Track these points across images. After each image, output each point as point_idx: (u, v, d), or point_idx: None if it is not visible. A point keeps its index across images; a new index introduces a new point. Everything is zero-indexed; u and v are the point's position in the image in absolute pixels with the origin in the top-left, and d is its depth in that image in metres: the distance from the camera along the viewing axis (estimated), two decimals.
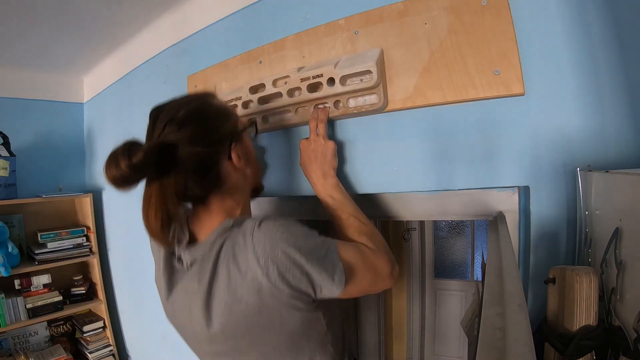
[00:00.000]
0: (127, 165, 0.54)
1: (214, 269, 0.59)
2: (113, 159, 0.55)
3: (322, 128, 0.87)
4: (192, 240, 0.67)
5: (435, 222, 2.63)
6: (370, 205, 0.94)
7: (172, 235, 0.65)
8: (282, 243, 0.56)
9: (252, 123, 0.87)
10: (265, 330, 0.59)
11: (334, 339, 0.69)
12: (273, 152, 1.11)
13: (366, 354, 2.39)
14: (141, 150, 0.55)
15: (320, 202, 0.84)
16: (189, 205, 0.69)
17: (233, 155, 0.68)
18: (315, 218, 1.08)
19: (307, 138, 0.89)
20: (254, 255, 0.56)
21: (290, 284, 0.56)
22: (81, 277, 2.08)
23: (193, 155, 0.61)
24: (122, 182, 0.55)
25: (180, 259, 0.67)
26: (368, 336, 2.38)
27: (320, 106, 0.92)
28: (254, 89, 1.00)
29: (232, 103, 1.06)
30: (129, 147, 0.55)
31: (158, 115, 0.63)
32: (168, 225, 0.62)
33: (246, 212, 0.74)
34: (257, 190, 0.82)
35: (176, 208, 0.61)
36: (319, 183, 0.83)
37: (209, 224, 0.66)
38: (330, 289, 0.58)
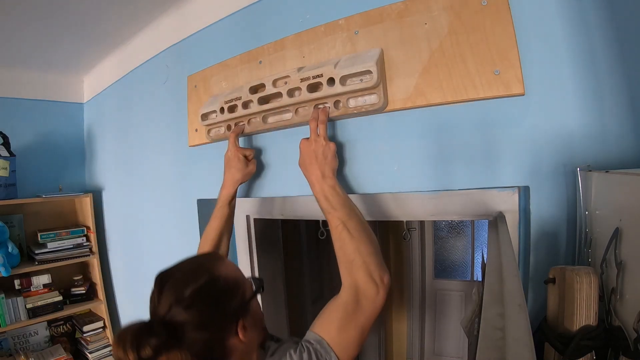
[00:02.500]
0: (135, 358, 0.54)
1: None
2: (121, 346, 0.55)
3: (322, 129, 0.87)
4: None
5: (435, 222, 2.63)
6: (370, 205, 0.94)
7: None
8: None
9: (260, 286, 0.76)
10: None
11: None
12: (273, 152, 1.11)
13: (366, 353, 2.39)
14: (149, 346, 0.55)
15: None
16: None
17: (240, 332, 0.65)
18: (314, 218, 1.08)
19: (307, 138, 0.89)
20: None
21: None
22: (81, 277, 2.08)
23: (200, 340, 0.61)
24: None
25: None
26: (368, 336, 2.38)
27: (320, 106, 0.92)
28: (254, 89, 1.00)
29: (232, 103, 1.06)
30: (137, 338, 0.55)
31: (163, 286, 0.63)
32: None
33: None
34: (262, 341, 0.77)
35: None
36: (317, 183, 0.83)
37: None
38: None
